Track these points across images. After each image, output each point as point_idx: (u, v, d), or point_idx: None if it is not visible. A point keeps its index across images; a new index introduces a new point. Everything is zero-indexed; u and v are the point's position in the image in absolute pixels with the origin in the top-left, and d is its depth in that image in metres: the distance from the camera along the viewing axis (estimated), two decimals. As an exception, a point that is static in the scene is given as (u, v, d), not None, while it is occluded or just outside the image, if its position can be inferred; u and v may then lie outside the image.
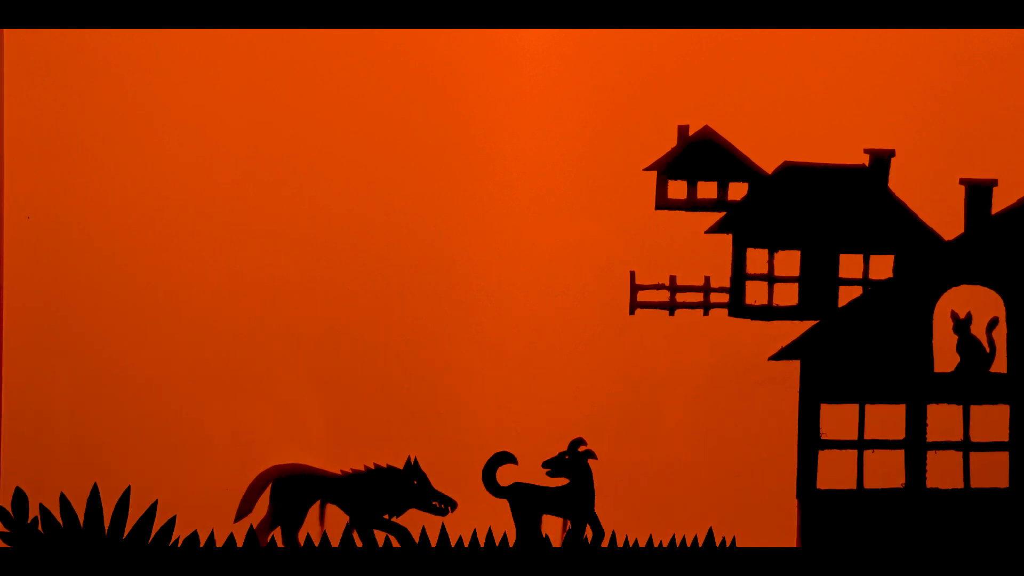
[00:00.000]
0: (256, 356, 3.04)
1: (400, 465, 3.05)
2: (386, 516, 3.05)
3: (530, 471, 3.08)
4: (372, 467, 3.04)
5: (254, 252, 3.03)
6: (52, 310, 3.00)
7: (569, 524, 3.08)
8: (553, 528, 3.08)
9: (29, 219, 3.00)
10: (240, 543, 3.00)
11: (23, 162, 2.99)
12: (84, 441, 3.01)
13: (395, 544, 3.04)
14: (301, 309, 3.04)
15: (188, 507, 3.02)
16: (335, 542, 3.03)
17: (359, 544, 3.03)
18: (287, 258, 3.04)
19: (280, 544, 3.02)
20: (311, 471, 3.03)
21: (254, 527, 3.02)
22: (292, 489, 3.03)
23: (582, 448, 3.07)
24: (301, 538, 3.03)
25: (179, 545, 2.99)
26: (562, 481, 3.08)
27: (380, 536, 3.04)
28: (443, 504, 3.04)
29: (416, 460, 3.05)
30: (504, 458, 3.06)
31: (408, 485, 3.05)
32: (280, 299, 3.04)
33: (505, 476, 3.07)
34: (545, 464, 3.07)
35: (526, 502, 3.05)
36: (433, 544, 3.04)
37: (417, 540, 3.04)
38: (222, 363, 3.03)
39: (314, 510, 3.04)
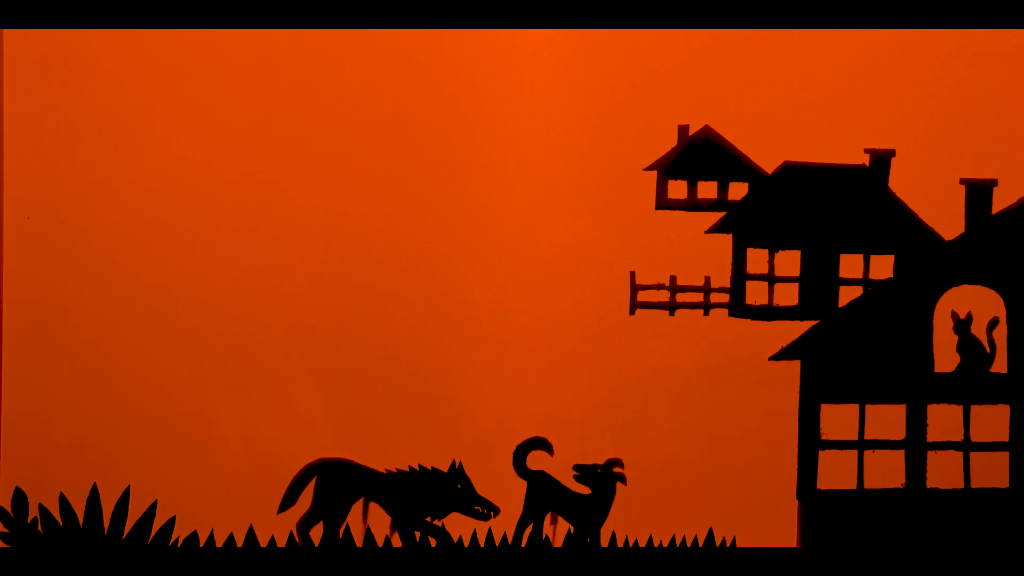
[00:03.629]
0: (257, 355, 3.04)
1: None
2: (427, 519, 3.05)
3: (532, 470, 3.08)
4: (416, 468, 3.03)
5: (252, 252, 3.03)
6: (52, 310, 3.00)
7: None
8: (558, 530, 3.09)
9: (29, 219, 3.00)
10: (240, 543, 3.00)
11: (23, 162, 2.99)
12: (84, 441, 3.01)
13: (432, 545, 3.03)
14: (302, 309, 3.04)
15: (189, 507, 3.02)
16: (379, 540, 3.03)
17: (399, 544, 3.03)
18: (286, 258, 3.04)
19: (319, 537, 3.01)
20: (356, 466, 3.02)
21: (295, 522, 3.01)
22: (337, 482, 3.01)
23: (617, 469, 3.06)
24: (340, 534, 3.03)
25: (179, 545, 2.99)
26: (584, 490, 3.07)
27: (415, 538, 3.04)
28: (486, 510, 3.03)
29: (461, 464, 3.03)
30: (540, 444, 3.05)
31: (452, 488, 3.04)
32: (281, 299, 3.04)
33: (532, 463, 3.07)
34: (576, 467, 3.06)
35: (542, 492, 3.05)
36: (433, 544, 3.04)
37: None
38: (222, 363, 3.03)
39: (357, 508, 3.03)
